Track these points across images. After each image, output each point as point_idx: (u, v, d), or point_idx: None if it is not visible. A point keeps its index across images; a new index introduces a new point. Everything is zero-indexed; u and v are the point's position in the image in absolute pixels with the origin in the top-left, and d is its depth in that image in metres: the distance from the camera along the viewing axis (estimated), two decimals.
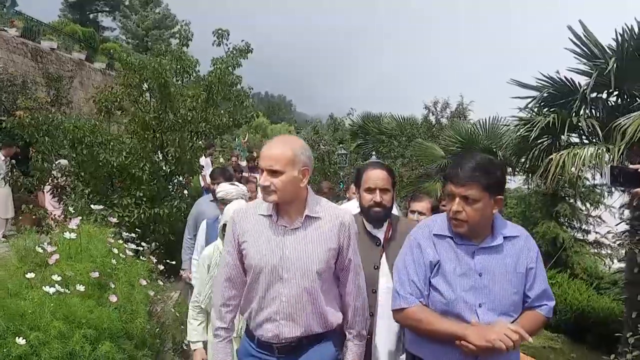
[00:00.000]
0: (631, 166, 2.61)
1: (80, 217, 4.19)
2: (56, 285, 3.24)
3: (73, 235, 3.96)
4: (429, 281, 2.32)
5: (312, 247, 2.36)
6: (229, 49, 6.99)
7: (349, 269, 2.47)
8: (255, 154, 13.25)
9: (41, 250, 3.76)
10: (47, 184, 6.90)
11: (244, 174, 10.76)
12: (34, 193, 11.33)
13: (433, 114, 14.82)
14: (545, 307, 2.34)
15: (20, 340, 2.81)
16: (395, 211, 3.38)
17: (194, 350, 3.75)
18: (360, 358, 2.58)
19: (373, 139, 14.61)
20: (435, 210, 3.70)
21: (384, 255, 2.91)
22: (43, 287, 3.21)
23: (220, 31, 6.96)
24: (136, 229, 5.33)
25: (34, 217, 9.53)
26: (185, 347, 4.93)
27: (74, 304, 3.25)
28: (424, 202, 3.90)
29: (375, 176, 2.94)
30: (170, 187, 6.71)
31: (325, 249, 2.37)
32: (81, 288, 3.38)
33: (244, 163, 13.09)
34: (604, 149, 4.87)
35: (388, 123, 14.23)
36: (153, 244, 5.95)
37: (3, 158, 9.73)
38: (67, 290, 3.34)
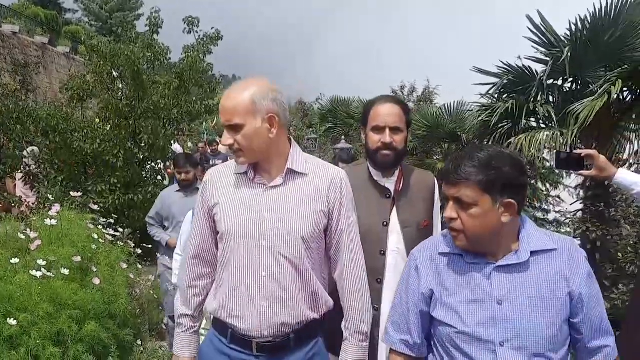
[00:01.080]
0: (576, 151, 2.59)
1: (60, 204, 4.31)
2: (42, 269, 3.39)
3: (54, 222, 4.09)
4: (430, 316, 1.80)
5: (296, 207, 1.91)
6: (199, 36, 7.09)
7: (340, 242, 1.99)
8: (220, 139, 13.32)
9: (23, 237, 3.90)
10: (19, 171, 6.95)
11: (211, 162, 10.69)
12: (2, 180, 11.29)
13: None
14: (608, 348, 1.74)
15: (12, 321, 2.96)
16: None
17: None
18: None
19: (342, 122, 14.82)
20: None
21: (394, 209, 2.42)
22: (30, 271, 3.36)
23: (190, 19, 7.04)
24: (112, 215, 5.45)
25: (7, 203, 9.55)
26: (163, 328, 5.13)
27: (59, 286, 3.41)
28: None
29: (386, 112, 2.41)
30: (144, 173, 6.82)
31: (311, 210, 1.92)
32: (65, 272, 3.54)
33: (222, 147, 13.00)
34: (559, 133, 5.19)
35: (357, 107, 14.43)
36: (128, 229, 6.08)
37: None
38: (51, 274, 3.49)
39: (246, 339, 1.93)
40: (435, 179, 2.60)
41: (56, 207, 4.20)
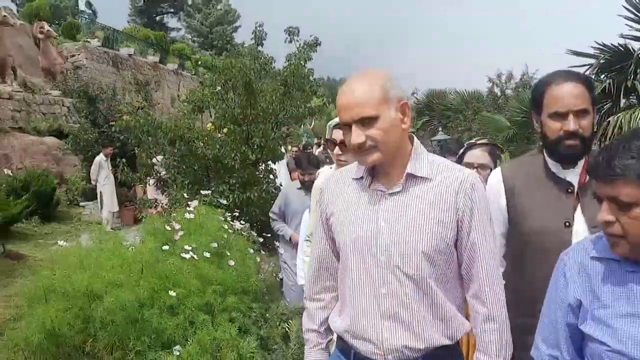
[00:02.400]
0: None
1: (196, 202, 5.06)
2: (190, 252, 4.09)
3: (191, 215, 4.82)
4: (578, 329, 1.58)
5: (417, 218, 1.68)
6: (299, 44, 7.70)
7: (473, 258, 1.71)
8: (321, 139, 13.98)
9: (169, 228, 4.65)
10: (152, 177, 7.93)
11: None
12: (132, 188, 12.67)
13: (497, 86, 15.04)
14: None
15: (172, 293, 3.64)
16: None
17: None
18: None
19: (439, 115, 14.99)
20: (495, 159, 2.86)
21: (578, 207, 2.05)
22: (180, 254, 4.07)
23: (291, 29, 7.67)
24: (235, 211, 6.15)
25: (137, 208, 10.76)
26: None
27: (203, 267, 4.09)
28: (479, 150, 2.91)
29: (567, 93, 1.99)
30: (257, 173, 7.52)
31: (436, 220, 1.67)
32: (207, 255, 4.23)
33: (317, 151, 13.69)
34: None
35: (453, 99, 14.53)
36: (247, 223, 6.79)
37: (105, 157, 10.98)
38: (196, 257, 4.18)
39: None
40: None
41: (194, 203, 4.94)
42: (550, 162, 2.10)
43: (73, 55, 19.11)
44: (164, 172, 7.73)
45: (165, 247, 4.23)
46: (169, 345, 3.36)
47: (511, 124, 10.55)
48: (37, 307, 3.59)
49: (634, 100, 5.81)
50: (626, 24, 5.61)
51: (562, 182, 2.08)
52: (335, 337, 1.98)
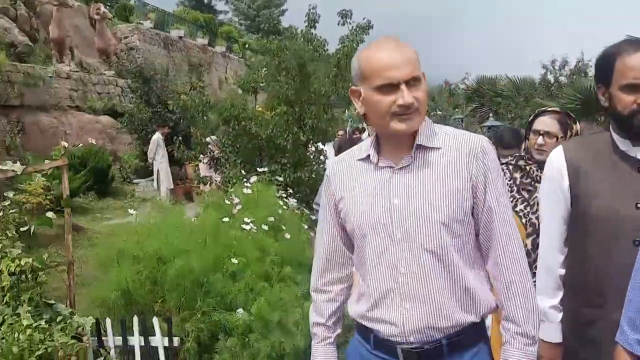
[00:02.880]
0: None
1: (255, 177, 5.29)
2: (250, 224, 4.30)
3: (249, 191, 5.03)
4: None
5: (431, 190, 1.62)
6: (352, 27, 7.79)
7: (490, 224, 1.65)
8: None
9: (228, 202, 4.87)
10: (205, 156, 8.21)
11: None
12: (183, 167, 13.07)
13: (551, 73, 14.75)
14: None
15: (234, 261, 3.85)
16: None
17: None
18: None
19: (489, 101, 14.79)
20: (566, 129, 2.68)
21: None
22: (241, 226, 4.28)
23: (344, 11, 7.76)
24: (287, 189, 6.35)
25: (188, 187, 11.12)
26: None
27: (261, 239, 4.30)
28: (548, 117, 2.72)
29: None
30: (309, 153, 7.70)
31: (450, 188, 1.62)
32: (265, 227, 4.43)
33: (365, 135, 13.74)
34: None
35: (504, 85, 14.33)
36: (298, 202, 6.99)
37: (161, 137, 11.37)
38: (255, 229, 4.39)
39: (390, 345, 1.69)
40: None
41: (253, 179, 5.16)
42: (619, 140, 1.92)
43: (126, 37, 19.60)
44: (216, 152, 7.99)
45: (225, 220, 4.46)
46: (232, 308, 3.58)
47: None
48: (110, 269, 3.86)
49: None
50: None
51: (632, 160, 1.89)
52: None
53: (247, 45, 33.19)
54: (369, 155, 1.71)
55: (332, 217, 1.81)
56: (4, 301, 2.92)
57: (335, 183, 1.78)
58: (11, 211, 3.20)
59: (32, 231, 3.27)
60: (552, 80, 14.59)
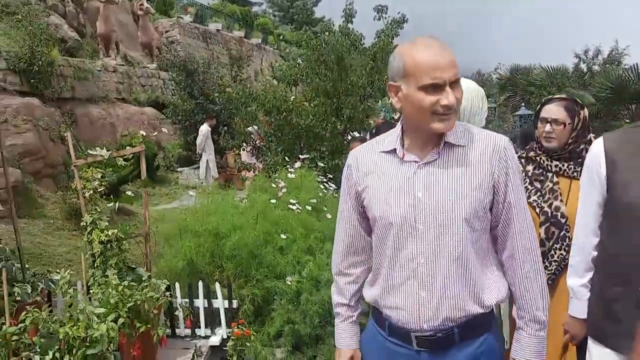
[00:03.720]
0: None
1: (299, 163, 5.77)
2: (296, 204, 4.77)
3: (293, 175, 5.51)
4: None
5: (455, 185, 1.70)
6: (387, 21, 8.18)
7: (509, 218, 1.75)
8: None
9: (274, 185, 5.36)
10: (248, 144, 8.74)
11: None
12: (224, 156, 13.67)
13: (584, 62, 14.79)
14: None
15: (282, 236, 4.33)
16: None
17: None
18: (536, 354, 1.78)
19: (522, 91, 14.93)
20: (573, 115, 2.73)
21: None
22: (288, 206, 4.76)
23: (380, 7, 8.16)
24: (327, 175, 6.80)
25: (229, 174, 11.68)
26: None
27: (305, 218, 4.77)
28: (555, 104, 2.78)
29: None
30: (346, 142, 8.14)
31: (474, 186, 1.70)
32: (309, 208, 4.91)
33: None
34: None
35: (537, 74, 14.46)
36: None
37: (209, 128, 11.97)
38: (299, 209, 4.87)
39: (405, 332, 1.77)
40: None
41: (297, 164, 5.64)
42: None
43: (167, 31, 20.29)
44: (258, 141, 8.52)
45: (273, 201, 4.95)
46: (281, 277, 4.07)
47: (596, 101, 10.56)
48: (174, 243, 4.40)
49: None
50: None
51: None
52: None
53: (281, 37, 33.70)
54: (394, 149, 1.77)
55: (352, 204, 1.87)
56: (95, 265, 3.47)
57: (359, 173, 1.83)
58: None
59: (117, 207, 3.84)
60: (585, 70, 14.65)
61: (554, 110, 2.74)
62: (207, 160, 12.15)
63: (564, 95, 2.98)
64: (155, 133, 10.62)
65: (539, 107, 2.85)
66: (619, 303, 1.92)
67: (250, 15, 32.22)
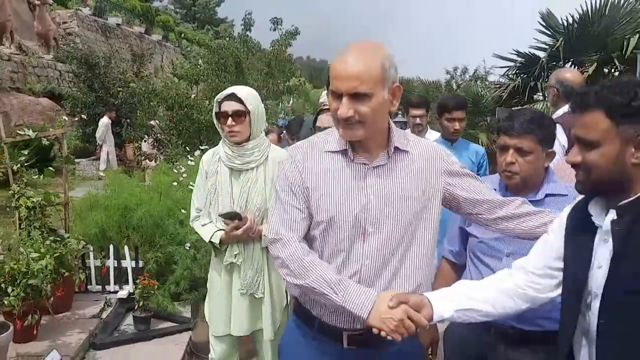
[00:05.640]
0: None
1: (198, 152, 6.59)
2: (193, 186, 5.58)
3: (192, 162, 6.31)
4: (466, 231, 2.30)
5: (403, 188, 1.74)
6: (282, 32, 9.19)
7: (472, 186, 1.84)
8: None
9: (176, 171, 6.14)
10: (150, 136, 9.37)
11: None
12: (124, 148, 14.01)
13: (453, 78, 16.80)
14: None
15: (183, 211, 5.13)
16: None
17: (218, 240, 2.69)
18: None
19: (402, 101, 16.48)
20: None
21: None
22: (188, 187, 5.56)
23: (275, 19, 9.15)
24: None
25: (130, 166, 12.08)
26: None
27: None
28: (325, 115, 2.99)
29: None
30: None
31: (421, 189, 1.76)
32: None
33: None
34: (547, 104, 6.87)
35: (416, 87, 16.14)
36: None
37: (109, 120, 12.34)
38: None
39: (337, 331, 1.78)
40: None
41: (197, 153, 6.45)
42: None
43: (65, 22, 20.05)
44: (159, 134, 9.18)
45: (174, 183, 5.73)
46: (181, 244, 4.87)
47: None
48: (86, 215, 5.08)
49: (540, 97, 7.45)
50: (534, 37, 7.32)
51: None
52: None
53: (183, 35, 33.80)
54: (345, 150, 1.76)
55: (295, 201, 1.78)
56: (21, 226, 4.11)
57: (302, 170, 1.78)
58: None
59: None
60: (454, 86, 16.64)
61: (327, 120, 3.01)
62: (107, 152, 12.49)
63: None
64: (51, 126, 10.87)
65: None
66: None
67: (151, 11, 32.05)
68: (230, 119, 2.59)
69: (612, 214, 1.45)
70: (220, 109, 2.65)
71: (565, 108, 3.69)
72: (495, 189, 2.06)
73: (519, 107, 7.42)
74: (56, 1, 21.32)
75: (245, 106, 2.58)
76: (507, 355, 2.09)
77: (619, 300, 1.40)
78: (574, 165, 1.48)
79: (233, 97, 2.60)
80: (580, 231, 1.55)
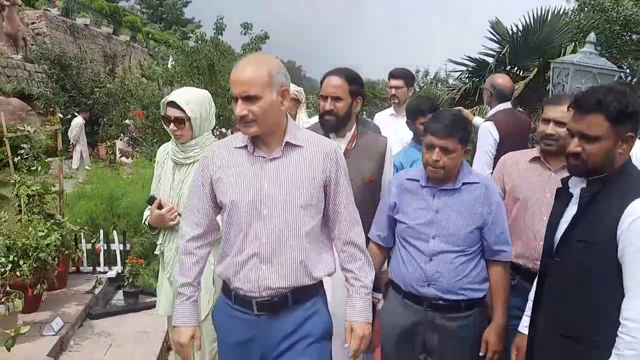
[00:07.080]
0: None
1: None
2: None
3: None
4: (394, 219, 2.56)
5: (294, 178, 2.02)
6: (252, 37, 9.74)
7: (337, 205, 2.12)
8: None
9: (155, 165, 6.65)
10: (125, 135, 9.81)
11: None
12: (96, 147, 14.31)
13: (415, 80, 17.49)
14: (505, 253, 2.50)
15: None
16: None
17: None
18: (367, 314, 2.17)
19: (368, 102, 17.19)
20: None
21: None
22: None
23: (246, 24, 9.69)
24: None
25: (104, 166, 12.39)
26: None
27: None
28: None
29: None
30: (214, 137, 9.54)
31: (309, 178, 2.04)
32: None
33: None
34: None
35: (382, 88, 16.85)
36: None
37: (83, 120, 12.65)
38: None
39: (247, 299, 2.06)
40: None
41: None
42: None
43: (33, 23, 20.02)
44: (134, 132, 9.64)
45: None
46: None
47: None
48: (76, 204, 5.57)
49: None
50: (482, 44, 8.08)
51: None
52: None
53: (150, 35, 33.88)
54: (246, 145, 2.06)
55: (205, 190, 2.10)
56: (22, 212, 4.58)
57: (214, 165, 2.07)
58: None
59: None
60: (417, 89, 17.32)
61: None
62: (80, 151, 12.78)
63: None
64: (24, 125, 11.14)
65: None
66: None
67: (119, 12, 32.01)
68: (172, 124, 2.75)
69: (584, 184, 1.95)
70: (166, 112, 2.79)
71: (498, 107, 4.36)
72: (418, 180, 2.51)
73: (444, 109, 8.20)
74: (24, 1, 21.28)
75: (185, 113, 2.69)
76: (437, 322, 2.45)
77: (572, 245, 1.93)
78: (574, 154, 1.91)
79: (174, 104, 2.72)
80: (559, 197, 2.10)
